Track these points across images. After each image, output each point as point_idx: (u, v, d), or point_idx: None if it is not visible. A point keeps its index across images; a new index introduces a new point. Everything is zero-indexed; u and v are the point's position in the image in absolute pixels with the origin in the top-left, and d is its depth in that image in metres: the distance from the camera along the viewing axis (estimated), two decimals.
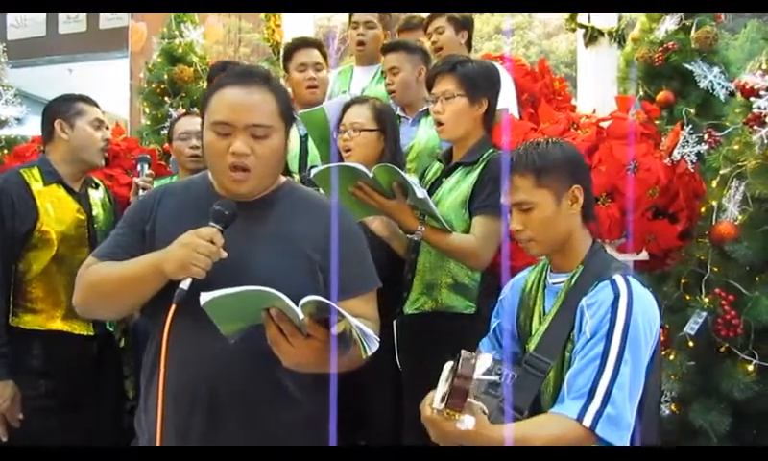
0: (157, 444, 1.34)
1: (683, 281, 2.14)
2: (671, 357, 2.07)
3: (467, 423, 1.16)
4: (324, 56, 3.00)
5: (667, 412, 2.07)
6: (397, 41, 2.89)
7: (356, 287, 1.49)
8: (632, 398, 1.36)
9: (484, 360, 1.12)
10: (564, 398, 1.37)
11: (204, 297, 1.23)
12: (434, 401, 1.23)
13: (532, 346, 1.49)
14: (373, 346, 1.28)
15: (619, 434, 1.33)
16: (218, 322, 1.30)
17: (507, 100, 2.64)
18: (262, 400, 1.42)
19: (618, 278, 1.43)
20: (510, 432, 1.28)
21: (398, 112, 2.75)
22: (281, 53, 3.70)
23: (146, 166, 2.50)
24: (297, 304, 1.24)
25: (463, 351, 1.16)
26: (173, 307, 1.32)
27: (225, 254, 1.35)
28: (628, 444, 1.34)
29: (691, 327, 2.00)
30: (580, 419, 1.32)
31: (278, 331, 1.29)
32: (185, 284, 1.32)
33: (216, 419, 1.40)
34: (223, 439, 1.40)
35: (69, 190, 2.35)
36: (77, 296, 1.50)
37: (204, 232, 1.35)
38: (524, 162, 1.49)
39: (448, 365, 1.24)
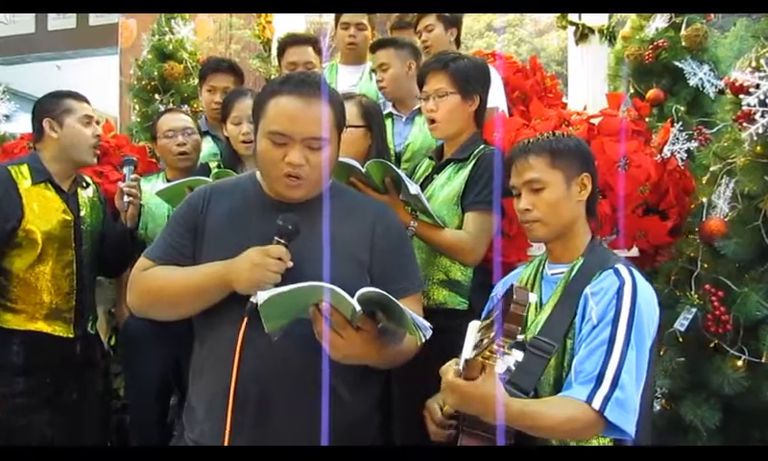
0: (223, 442, 1.36)
1: (672, 278, 2.15)
2: (661, 353, 2.07)
3: (514, 356, 1.12)
4: (318, 52, 2.99)
5: (658, 408, 2.07)
6: (387, 38, 2.88)
7: (407, 288, 1.52)
8: (638, 383, 1.37)
9: (532, 296, 1.10)
10: (572, 383, 1.38)
11: (262, 296, 1.27)
12: (464, 353, 1.20)
13: (531, 334, 1.49)
14: (428, 334, 1.33)
15: (627, 417, 1.33)
16: (266, 320, 1.32)
17: (496, 98, 2.65)
18: (310, 398, 1.41)
19: (621, 267, 1.46)
20: (523, 407, 1.28)
21: (391, 110, 2.74)
22: (273, 49, 3.68)
23: (131, 169, 2.46)
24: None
25: (514, 284, 1.14)
26: (245, 320, 1.36)
27: (290, 265, 1.39)
28: (635, 428, 1.34)
29: (681, 323, 2.01)
30: (589, 402, 1.32)
31: (327, 325, 1.32)
32: (255, 298, 1.35)
33: (264, 417, 1.41)
34: (270, 437, 1.41)
35: (58, 189, 2.33)
36: (133, 299, 1.52)
37: (274, 251, 1.39)
38: (541, 144, 1.55)
39: (474, 324, 1.21)
